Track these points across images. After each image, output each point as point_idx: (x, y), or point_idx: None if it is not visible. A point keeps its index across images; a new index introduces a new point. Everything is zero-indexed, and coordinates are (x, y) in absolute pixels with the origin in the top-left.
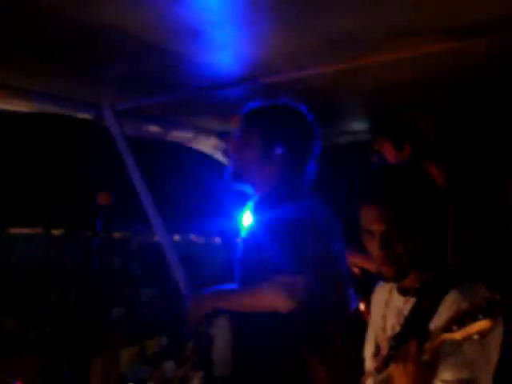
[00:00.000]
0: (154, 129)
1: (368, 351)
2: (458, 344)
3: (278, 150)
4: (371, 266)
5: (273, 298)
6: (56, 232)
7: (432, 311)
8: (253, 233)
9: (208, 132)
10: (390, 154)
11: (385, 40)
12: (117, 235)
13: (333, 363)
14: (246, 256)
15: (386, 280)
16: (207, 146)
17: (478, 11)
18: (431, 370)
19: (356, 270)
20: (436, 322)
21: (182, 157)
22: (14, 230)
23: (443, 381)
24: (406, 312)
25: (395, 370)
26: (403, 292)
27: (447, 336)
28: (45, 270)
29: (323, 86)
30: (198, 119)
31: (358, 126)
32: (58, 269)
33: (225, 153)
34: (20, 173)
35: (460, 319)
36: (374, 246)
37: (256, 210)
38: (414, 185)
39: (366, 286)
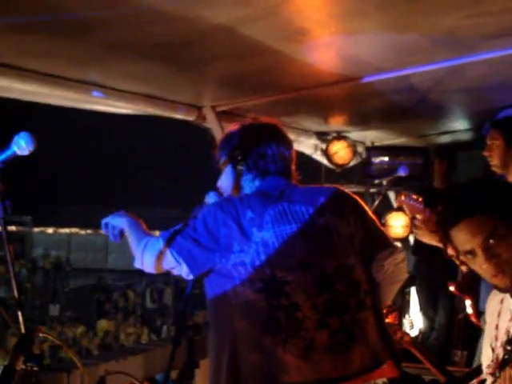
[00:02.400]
0: None
1: (484, 358)
2: None
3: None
4: None
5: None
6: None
7: None
8: None
9: (308, 132)
10: (499, 149)
11: (488, 38)
12: None
13: (304, 351)
14: None
15: (503, 292)
16: (308, 146)
17: None
18: None
19: (464, 268)
20: None
21: None
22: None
23: None
24: None
25: None
26: None
27: None
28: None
29: (425, 84)
30: (299, 119)
31: (459, 125)
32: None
33: (324, 153)
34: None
35: None
36: (479, 264)
37: None
38: (496, 187)
39: (474, 285)
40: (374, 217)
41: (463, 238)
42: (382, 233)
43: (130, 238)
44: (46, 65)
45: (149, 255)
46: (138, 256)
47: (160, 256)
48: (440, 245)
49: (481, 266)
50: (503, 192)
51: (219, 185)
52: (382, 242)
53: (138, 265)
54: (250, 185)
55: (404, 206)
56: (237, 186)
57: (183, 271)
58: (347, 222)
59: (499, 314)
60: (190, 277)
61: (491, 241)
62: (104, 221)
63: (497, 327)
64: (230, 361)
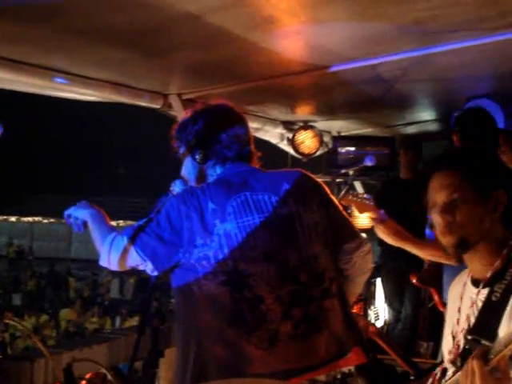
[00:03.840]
0: None
1: (445, 346)
2: None
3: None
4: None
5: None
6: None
7: (503, 305)
8: None
9: (274, 122)
10: None
11: (455, 29)
12: None
13: (268, 343)
14: None
15: (448, 251)
16: (274, 136)
17: None
18: (503, 380)
19: (427, 261)
20: (507, 321)
21: None
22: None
23: None
24: (479, 303)
25: None
26: (475, 283)
27: None
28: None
29: (392, 74)
30: (266, 108)
31: (426, 115)
32: None
33: (290, 142)
34: None
35: None
36: (435, 216)
37: None
38: (480, 156)
39: (436, 276)
40: (338, 204)
41: (433, 189)
42: (348, 222)
43: (94, 232)
44: (10, 50)
45: (114, 254)
46: (104, 254)
47: (125, 254)
48: (398, 244)
49: (435, 218)
50: (486, 161)
51: (182, 174)
52: (348, 233)
53: (103, 263)
54: (211, 173)
55: (352, 205)
56: (199, 175)
57: (148, 268)
58: (311, 210)
59: (461, 298)
60: (155, 273)
61: (453, 198)
62: (67, 212)
63: (459, 310)
64: (196, 353)
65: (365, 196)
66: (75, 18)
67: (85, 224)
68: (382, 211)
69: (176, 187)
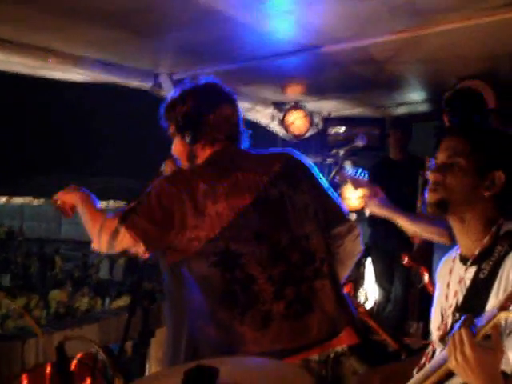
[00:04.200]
0: None
1: (434, 321)
2: None
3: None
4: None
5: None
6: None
7: (491, 282)
8: None
9: (265, 102)
10: None
11: (447, 9)
12: None
13: (261, 323)
14: None
15: (427, 207)
16: (264, 116)
17: None
18: (496, 351)
19: (417, 239)
20: (494, 298)
21: None
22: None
23: None
24: (467, 281)
25: (455, 367)
26: (463, 260)
27: (505, 315)
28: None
29: (383, 55)
30: (256, 89)
31: (416, 96)
32: None
33: (280, 123)
34: None
35: None
36: (430, 174)
37: None
38: (496, 134)
39: (427, 255)
40: (327, 185)
41: (439, 149)
42: (337, 204)
43: (84, 216)
44: (1, 31)
45: (105, 236)
46: (95, 237)
47: (116, 236)
48: (389, 217)
49: (429, 176)
50: (498, 141)
51: (173, 153)
52: (338, 216)
53: (95, 246)
54: (201, 154)
55: (348, 181)
56: (189, 154)
57: (140, 250)
58: (301, 191)
59: (451, 272)
60: (147, 255)
61: (450, 161)
62: (54, 197)
63: (448, 285)
64: (189, 334)
65: (360, 172)
66: None
67: (73, 209)
68: (378, 188)
69: (167, 167)
